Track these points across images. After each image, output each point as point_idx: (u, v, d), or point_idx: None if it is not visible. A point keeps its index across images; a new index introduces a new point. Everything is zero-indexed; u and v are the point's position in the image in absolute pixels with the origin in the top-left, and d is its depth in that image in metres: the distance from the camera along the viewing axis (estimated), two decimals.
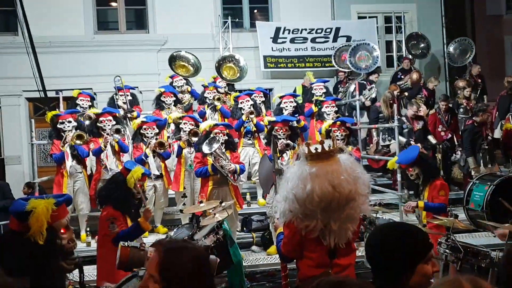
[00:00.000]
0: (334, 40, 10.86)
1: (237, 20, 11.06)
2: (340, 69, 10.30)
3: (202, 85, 8.88)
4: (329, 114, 7.39)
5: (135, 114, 7.74)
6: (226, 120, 7.94)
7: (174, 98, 8.25)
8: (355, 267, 2.89)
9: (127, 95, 8.08)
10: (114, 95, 8.28)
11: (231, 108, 8.09)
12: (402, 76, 10.00)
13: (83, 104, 7.68)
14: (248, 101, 7.58)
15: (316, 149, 2.60)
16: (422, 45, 10.84)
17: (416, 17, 11.51)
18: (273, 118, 6.61)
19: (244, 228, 6.91)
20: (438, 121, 8.22)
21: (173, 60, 9.26)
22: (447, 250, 3.70)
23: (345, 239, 2.62)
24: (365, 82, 9.55)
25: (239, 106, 7.60)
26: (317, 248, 2.67)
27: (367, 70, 9.83)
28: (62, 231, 2.18)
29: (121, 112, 7.66)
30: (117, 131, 6.42)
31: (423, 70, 11.15)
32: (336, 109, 7.53)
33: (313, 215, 2.55)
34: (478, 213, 5.44)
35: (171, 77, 9.31)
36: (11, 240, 2.07)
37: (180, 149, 6.71)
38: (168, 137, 7.55)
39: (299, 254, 2.79)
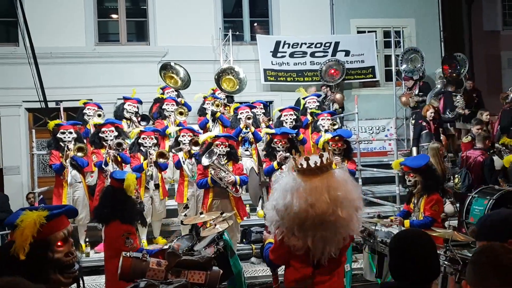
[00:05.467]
0: (333, 54, 10.96)
1: (237, 33, 11.18)
2: (326, 83, 10.44)
3: (203, 97, 8.93)
4: (324, 126, 7.47)
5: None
6: (225, 129, 8.00)
7: (176, 106, 8.31)
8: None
9: (135, 106, 8.14)
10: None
11: (230, 119, 8.15)
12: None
13: (89, 113, 7.73)
14: (248, 112, 7.64)
15: (301, 164, 2.57)
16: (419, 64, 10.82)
17: (414, 32, 11.65)
18: (272, 131, 6.65)
19: (244, 240, 6.90)
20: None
21: (163, 69, 9.33)
22: (445, 262, 3.71)
23: (326, 258, 2.56)
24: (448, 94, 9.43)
25: (238, 117, 7.66)
26: (301, 258, 2.65)
27: (418, 74, 10.04)
28: (58, 243, 2.12)
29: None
30: (119, 145, 6.43)
31: None
32: (331, 122, 7.60)
33: (292, 230, 2.54)
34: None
35: (162, 88, 9.36)
36: (6, 253, 2.02)
37: (179, 162, 6.71)
38: (169, 146, 7.59)
39: (286, 262, 2.78)
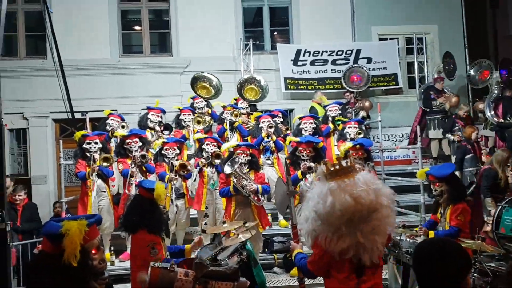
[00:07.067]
0: (355, 61, 10.89)
1: (258, 42, 11.25)
2: (350, 89, 10.35)
3: (221, 106, 9.02)
4: (350, 135, 7.42)
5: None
6: (245, 139, 8.04)
7: (192, 116, 8.41)
8: None
9: (158, 116, 8.29)
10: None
11: (251, 128, 8.18)
12: (435, 97, 9.83)
13: (112, 124, 7.90)
14: (269, 121, 7.67)
15: (334, 166, 2.62)
16: (452, 66, 10.60)
17: (437, 39, 11.49)
18: (297, 139, 6.63)
19: (266, 249, 6.87)
20: None
21: (195, 81, 9.44)
22: (474, 274, 3.62)
23: (377, 253, 2.59)
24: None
25: (260, 125, 7.67)
26: (344, 268, 2.64)
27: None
28: (93, 251, 2.20)
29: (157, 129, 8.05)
30: (143, 157, 6.52)
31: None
32: (360, 130, 7.53)
33: (339, 231, 2.53)
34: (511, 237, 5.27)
35: (193, 98, 9.49)
36: (44, 262, 2.09)
37: (199, 168, 6.76)
38: (189, 155, 7.66)
39: (326, 273, 2.76)
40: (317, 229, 2.61)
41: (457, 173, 7.61)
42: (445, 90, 10.04)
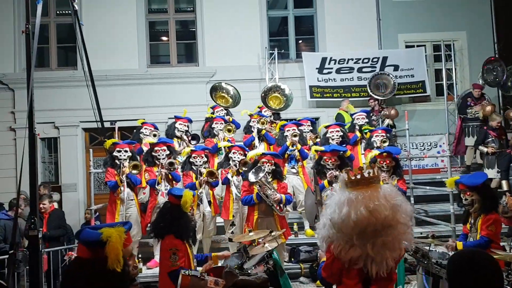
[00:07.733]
0: (381, 69, 10.80)
1: (283, 51, 11.30)
2: (374, 96, 10.24)
3: (248, 115, 9.08)
4: (377, 143, 7.34)
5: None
6: (271, 147, 8.05)
7: (224, 124, 8.51)
8: None
9: (185, 125, 8.40)
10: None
11: (276, 137, 8.20)
12: (472, 104, 9.65)
13: (146, 132, 8.05)
14: (294, 129, 7.67)
15: (355, 175, 2.61)
16: (496, 73, 10.24)
17: (466, 45, 11.30)
18: (322, 148, 6.61)
19: (292, 259, 6.84)
20: None
21: (213, 90, 9.57)
22: (508, 287, 3.53)
23: (386, 268, 2.55)
24: None
25: (285, 134, 7.68)
26: (353, 275, 2.63)
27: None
28: (127, 257, 2.24)
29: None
30: (171, 164, 6.63)
31: None
32: (385, 138, 7.45)
33: (351, 241, 2.53)
34: None
35: (213, 107, 9.61)
36: (80, 268, 2.13)
37: (227, 179, 6.82)
38: (218, 163, 7.73)
39: (339, 279, 2.75)
40: (331, 236, 2.63)
41: (503, 182, 7.58)
42: (485, 97, 9.79)
